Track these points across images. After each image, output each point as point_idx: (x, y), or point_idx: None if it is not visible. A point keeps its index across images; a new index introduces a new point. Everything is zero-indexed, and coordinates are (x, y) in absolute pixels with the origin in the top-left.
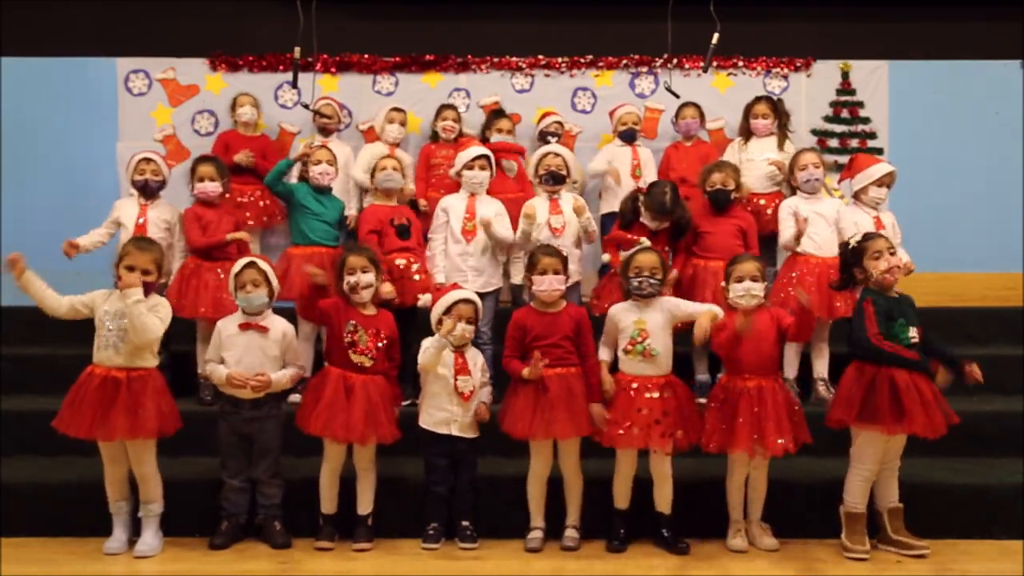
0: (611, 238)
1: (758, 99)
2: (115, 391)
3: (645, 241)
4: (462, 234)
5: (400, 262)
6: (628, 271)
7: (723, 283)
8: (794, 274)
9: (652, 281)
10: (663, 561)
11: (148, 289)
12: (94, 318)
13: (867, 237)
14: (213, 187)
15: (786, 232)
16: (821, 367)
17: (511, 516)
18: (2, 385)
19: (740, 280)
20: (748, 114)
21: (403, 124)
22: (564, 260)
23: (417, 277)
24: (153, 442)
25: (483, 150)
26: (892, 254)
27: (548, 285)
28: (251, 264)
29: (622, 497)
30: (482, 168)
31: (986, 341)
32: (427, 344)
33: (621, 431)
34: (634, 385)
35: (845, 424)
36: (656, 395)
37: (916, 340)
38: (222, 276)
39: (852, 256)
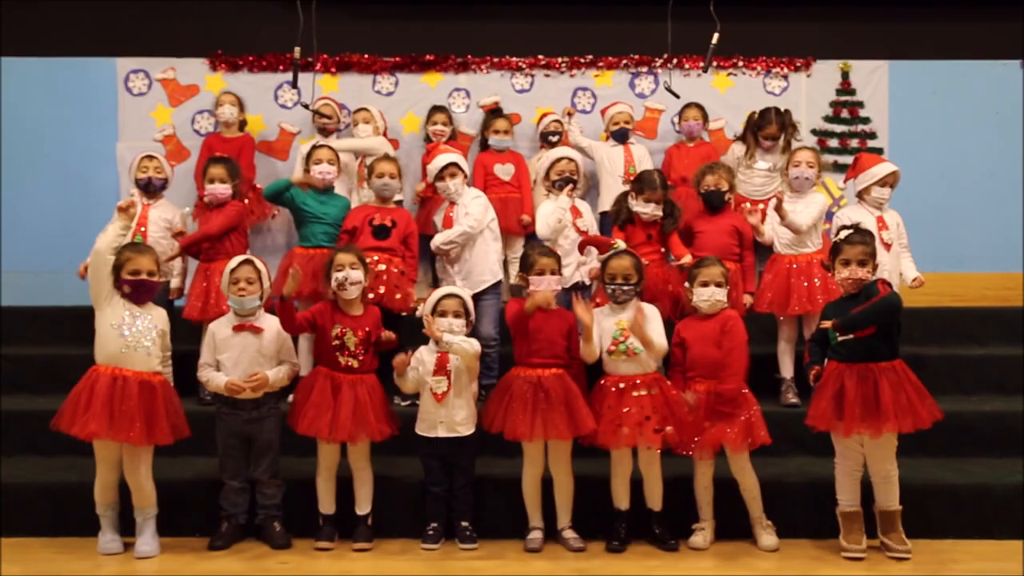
0: (586, 241)
1: (766, 117)
2: (150, 396)
3: (620, 244)
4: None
5: (374, 258)
6: (604, 276)
7: (686, 283)
8: (770, 276)
9: (625, 288)
10: (662, 562)
11: (154, 291)
12: (102, 313)
13: (848, 240)
14: (222, 189)
15: (769, 232)
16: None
17: (510, 516)
18: (2, 385)
19: (705, 285)
20: (756, 132)
21: (367, 123)
22: (559, 260)
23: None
24: (152, 449)
25: (450, 158)
26: (862, 264)
27: (546, 285)
28: (248, 261)
29: (622, 498)
30: (452, 176)
31: (986, 341)
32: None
33: (613, 431)
34: (620, 385)
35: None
36: (644, 392)
37: (848, 338)
38: None
39: (831, 251)
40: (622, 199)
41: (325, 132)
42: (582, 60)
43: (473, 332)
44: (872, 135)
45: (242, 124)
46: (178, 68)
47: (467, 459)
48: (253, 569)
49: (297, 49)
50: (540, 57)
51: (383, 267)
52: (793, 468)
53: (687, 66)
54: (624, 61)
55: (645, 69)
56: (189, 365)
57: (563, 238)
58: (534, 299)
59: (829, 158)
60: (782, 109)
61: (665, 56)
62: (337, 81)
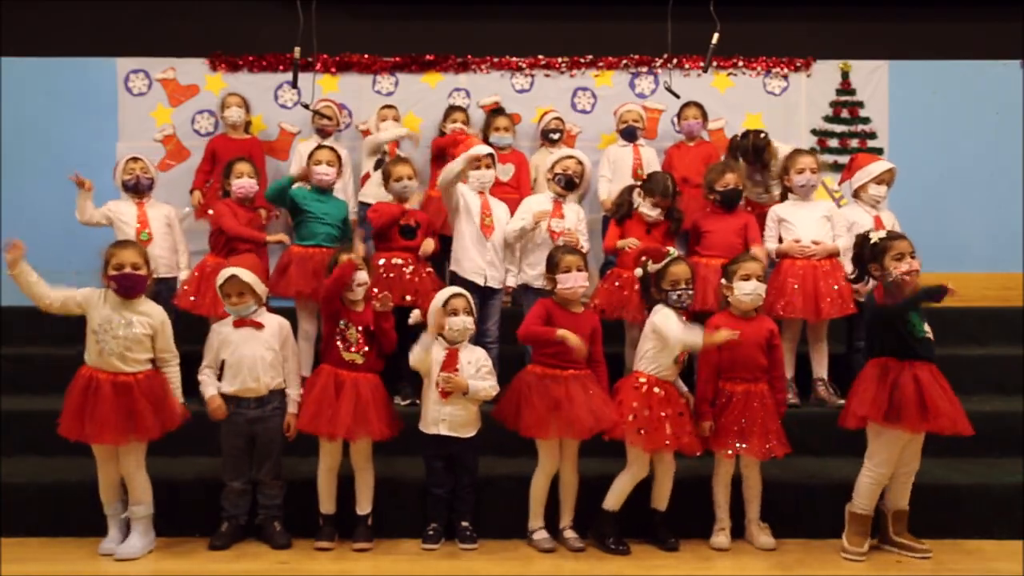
0: (642, 251)
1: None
2: (127, 395)
3: (674, 251)
4: (481, 230)
5: (397, 261)
6: (663, 283)
7: (723, 280)
8: (793, 282)
9: (689, 292)
10: (663, 561)
11: (141, 284)
12: (87, 319)
13: (892, 236)
14: (250, 184)
15: (769, 241)
16: (820, 368)
17: (511, 516)
18: (2, 385)
19: (747, 279)
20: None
21: (396, 120)
22: (584, 258)
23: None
24: (141, 444)
25: (489, 149)
26: (913, 257)
27: (573, 282)
28: (232, 278)
29: (619, 501)
30: (488, 167)
31: (986, 341)
32: (417, 345)
33: (654, 432)
34: (657, 390)
35: (866, 422)
36: (683, 399)
37: (930, 336)
38: None
39: (871, 252)
40: (626, 192)
41: (324, 133)
42: (582, 60)
43: (479, 331)
44: (872, 135)
45: (247, 125)
46: (178, 68)
47: (472, 459)
48: (253, 569)
49: (297, 49)
50: (540, 57)
51: (410, 268)
52: (794, 468)
53: (687, 66)
54: (624, 61)
55: (645, 69)
56: (191, 364)
57: (535, 234)
58: (572, 341)
59: (829, 158)
60: (761, 133)
61: (665, 56)
62: (337, 81)
